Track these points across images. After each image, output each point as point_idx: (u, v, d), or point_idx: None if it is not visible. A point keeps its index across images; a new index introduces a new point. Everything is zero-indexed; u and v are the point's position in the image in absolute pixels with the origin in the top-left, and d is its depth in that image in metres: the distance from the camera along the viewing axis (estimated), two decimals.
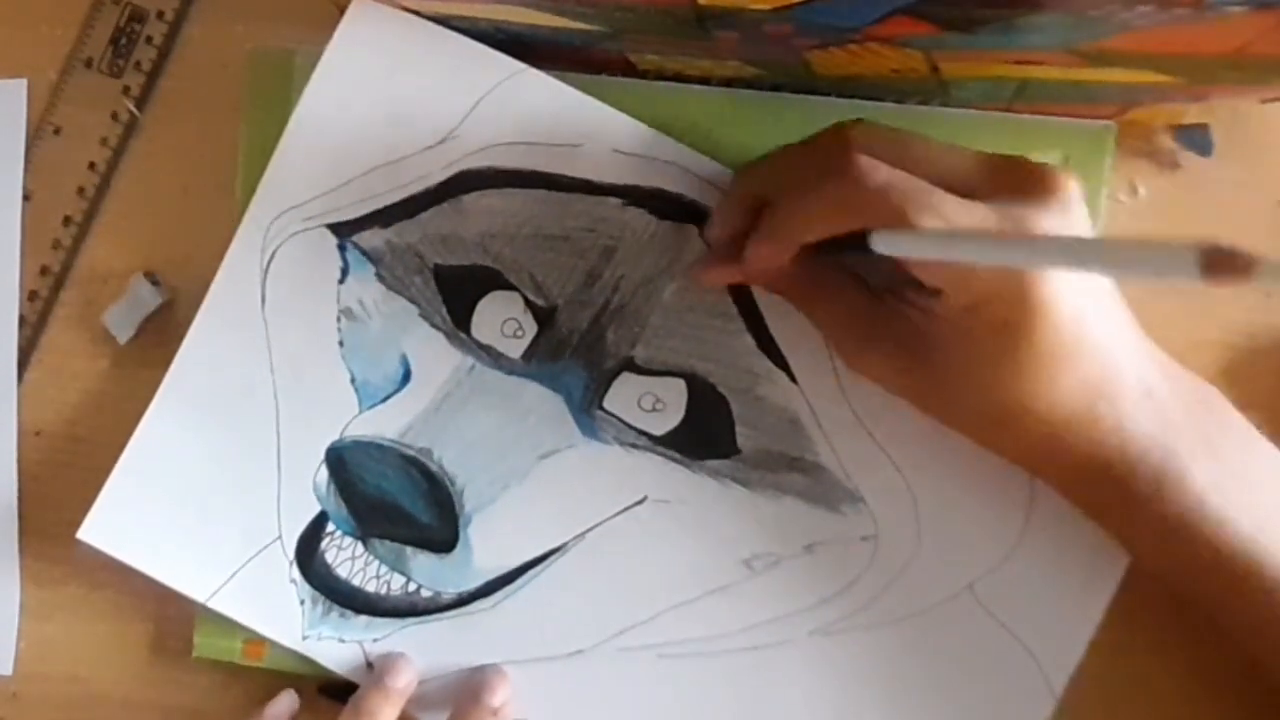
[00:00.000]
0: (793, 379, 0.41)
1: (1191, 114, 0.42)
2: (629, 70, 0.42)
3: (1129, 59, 0.34)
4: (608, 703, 0.42)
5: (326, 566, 0.42)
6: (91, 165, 0.44)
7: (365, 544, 0.42)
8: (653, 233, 0.41)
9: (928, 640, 0.41)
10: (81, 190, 0.44)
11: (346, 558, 0.42)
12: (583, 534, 0.42)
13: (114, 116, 0.44)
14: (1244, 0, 0.27)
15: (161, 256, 0.44)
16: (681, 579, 0.42)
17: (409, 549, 0.42)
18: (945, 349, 0.36)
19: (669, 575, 0.42)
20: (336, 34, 0.41)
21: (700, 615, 0.41)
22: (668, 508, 0.42)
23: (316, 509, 0.42)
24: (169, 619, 0.43)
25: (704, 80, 0.42)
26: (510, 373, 0.42)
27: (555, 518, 0.42)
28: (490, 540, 0.42)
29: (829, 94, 0.42)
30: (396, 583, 0.42)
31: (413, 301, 0.42)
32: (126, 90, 0.44)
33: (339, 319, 0.42)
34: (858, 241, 0.34)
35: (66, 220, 0.44)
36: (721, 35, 0.36)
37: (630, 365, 0.41)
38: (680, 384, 0.41)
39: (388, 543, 0.42)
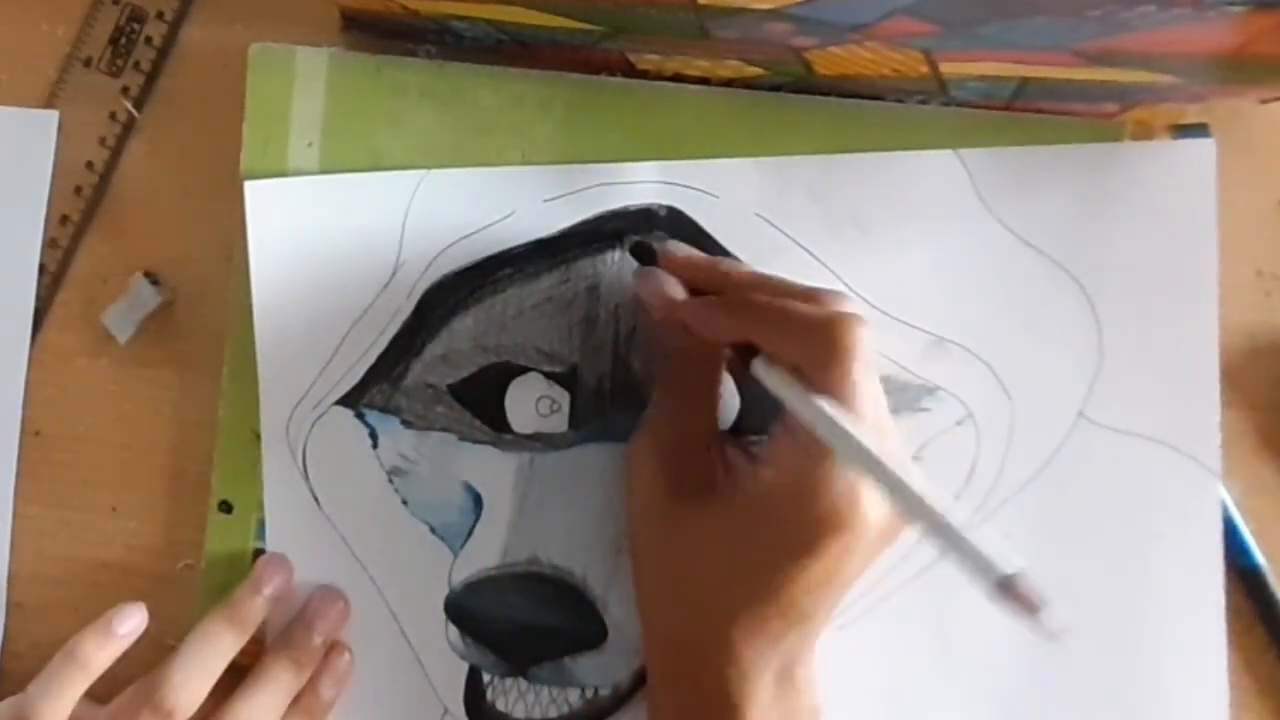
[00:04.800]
0: None
1: (1191, 114, 0.42)
2: (629, 70, 0.42)
3: (1129, 59, 0.34)
4: None
5: (502, 715, 0.41)
6: (89, 165, 0.44)
7: (526, 676, 0.42)
8: (621, 253, 0.41)
9: (1072, 484, 0.40)
10: (79, 190, 0.44)
11: (516, 697, 0.42)
12: None
13: (112, 116, 0.44)
14: (1244, 0, 0.27)
15: (161, 256, 0.44)
16: None
17: (567, 659, 0.41)
18: (723, 503, 0.36)
19: None
20: (248, 223, 0.41)
21: None
22: None
23: (465, 667, 0.42)
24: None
25: (704, 80, 0.42)
26: (567, 447, 0.42)
27: None
28: (633, 608, 0.41)
29: (829, 94, 0.42)
30: (573, 697, 0.41)
31: (446, 430, 0.42)
32: (125, 90, 0.44)
33: (391, 481, 0.42)
34: (743, 357, 0.36)
35: (64, 219, 0.44)
36: (721, 35, 0.36)
37: None
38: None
39: (546, 664, 0.41)
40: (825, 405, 0.33)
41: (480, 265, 0.42)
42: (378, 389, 0.42)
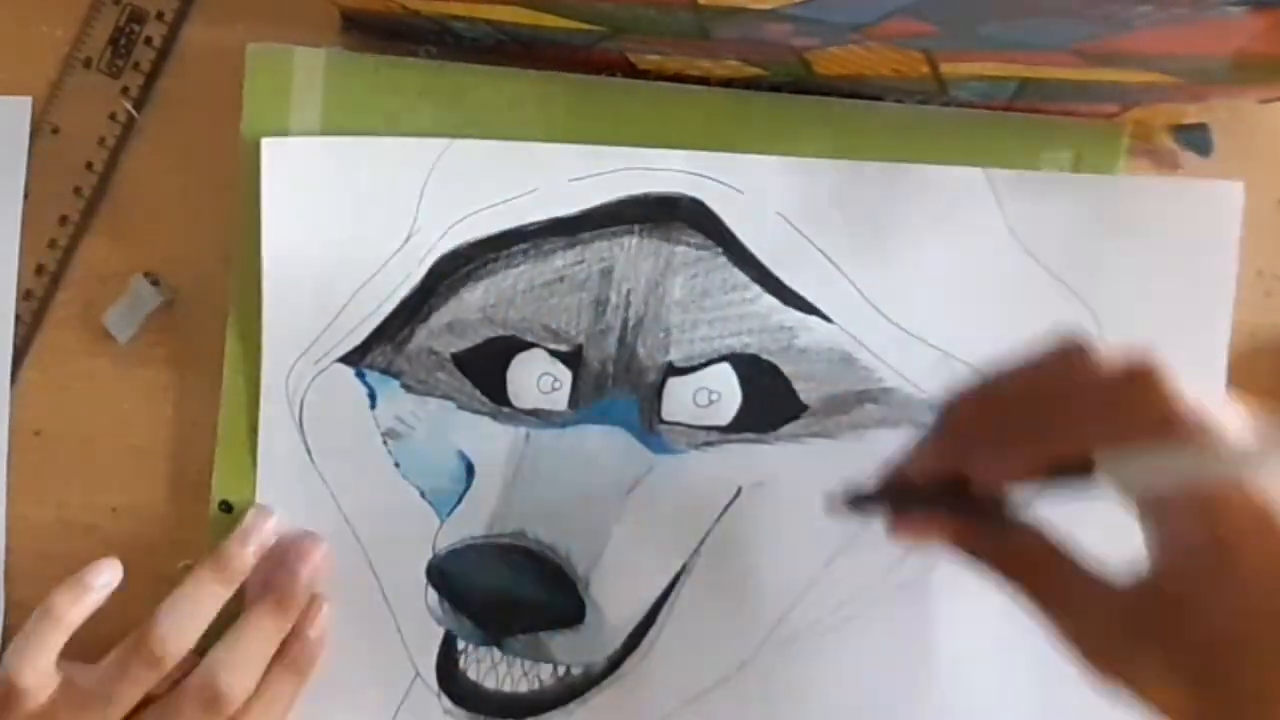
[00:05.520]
0: (827, 319, 0.41)
1: (1191, 114, 0.42)
2: (629, 70, 0.42)
3: (1129, 59, 0.34)
4: (792, 699, 0.41)
5: (473, 684, 0.42)
6: (89, 165, 0.44)
7: (500, 647, 0.42)
8: (638, 239, 0.41)
9: (1061, 512, 0.40)
10: (78, 190, 0.44)
11: (488, 667, 0.42)
12: (697, 548, 0.41)
13: (112, 117, 0.44)
14: (1244, 0, 0.27)
15: (161, 256, 0.44)
16: (807, 550, 0.41)
17: (543, 635, 0.42)
18: (1201, 576, 0.30)
19: (794, 552, 0.41)
20: (264, 179, 0.41)
21: (839, 576, 0.41)
22: (764, 489, 0.41)
23: (441, 632, 0.42)
24: None
25: (704, 80, 0.42)
26: (564, 426, 0.42)
27: (666, 544, 0.41)
28: (615, 593, 0.41)
29: (829, 94, 0.42)
30: (545, 673, 0.42)
31: (446, 397, 0.42)
32: (125, 91, 0.44)
33: (385, 443, 0.42)
34: (1075, 470, 0.31)
35: (63, 220, 0.44)
36: (721, 35, 0.36)
37: (672, 370, 0.41)
38: (725, 368, 0.41)
39: (521, 637, 0.42)
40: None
41: (496, 238, 0.42)
42: (381, 350, 0.42)
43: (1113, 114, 0.41)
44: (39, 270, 0.44)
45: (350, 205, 0.42)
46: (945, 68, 0.37)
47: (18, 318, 0.44)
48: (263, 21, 0.43)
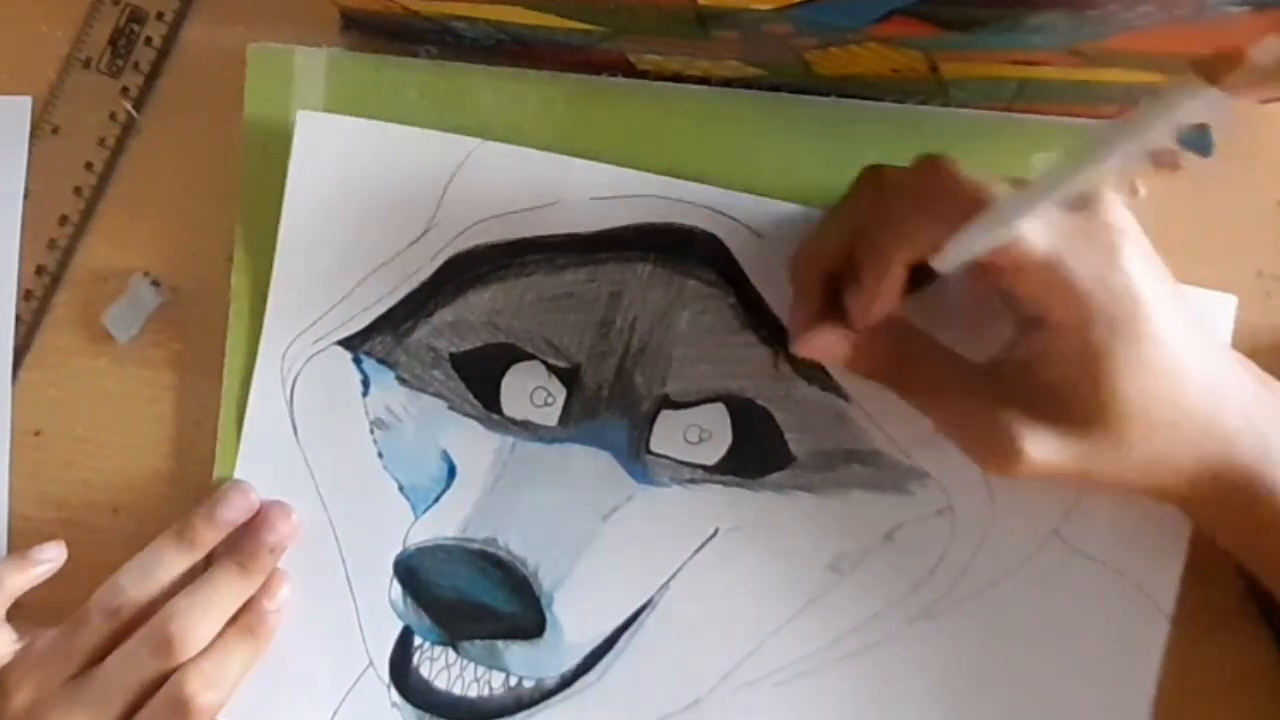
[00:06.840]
0: (827, 374, 0.41)
1: None
2: (629, 70, 0.42)
3: (1129, 59, 0.34)
4: None
5: (424, 681, 0.42)
6: (89, 165, 0.44)
7: (456, 649, 0.42)
8: (652, 268, 0.41)
9: (1030, 596, 0.40)
10: (78, 190, 0.44)
11: (441, 667, 0.42)
12: (666, 583, 0.41)
13: (112, 117, 0.44)
14: (1244, 0, 0.27)
15: (161, 256, 0.44)
16: (775, 601, 0.41)
17: (500, 643, 0.42)
18: (1074, 371, 0.34)
19: (761, 600, 0.41)
20: (294, 151, 0.42)
21: (803, 631, 0.41)
22: (741, 534, 0.41)
23: (400, 626, 0.42)
24: None
25: (704, 80, 0.42)
26: (552, 441, 0.42)
27: (635, 574, 0.41)
28: (577, 613, 0.41)
29: (829, 94, 0.42)
30: (497, 681, 0.42)
31: (438, 396, 0.42)
32: (125, 91, 0.44)
33: (372, 431, 0.42)
34: (924, 274, 0.35)
35: (63, 220, 0.44)
36: (721, 35, 0.36)
37: (666, 402, 0.41)
38: (720, 408, 0.41)
39: (478, 642, 0.42)
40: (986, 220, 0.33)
41: (511, 245, 0.42)
42: (381, 339, 0.42)
43: (1113, 114, 0.41)
44: (39, 270, 0.44)
45: (373, 190, 0.42)
46: (945, 68, 0.37)
47: (18, 318, 0.44)
48: (263, 21, 0.43)
